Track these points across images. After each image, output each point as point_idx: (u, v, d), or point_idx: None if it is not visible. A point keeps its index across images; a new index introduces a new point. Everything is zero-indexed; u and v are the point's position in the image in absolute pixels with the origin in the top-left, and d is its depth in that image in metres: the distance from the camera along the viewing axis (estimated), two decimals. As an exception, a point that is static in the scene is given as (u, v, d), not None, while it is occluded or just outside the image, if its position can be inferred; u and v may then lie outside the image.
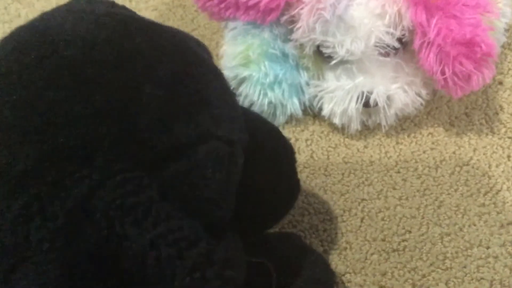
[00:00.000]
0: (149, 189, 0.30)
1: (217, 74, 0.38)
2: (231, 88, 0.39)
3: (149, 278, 0.30)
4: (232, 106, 0.37)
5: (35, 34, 0.33)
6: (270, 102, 0.59)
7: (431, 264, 0.52)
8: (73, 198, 0.29)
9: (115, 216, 0.29)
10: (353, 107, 0.57)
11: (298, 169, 0.59)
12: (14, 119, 0.30)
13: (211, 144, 0.33)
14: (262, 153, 0.39)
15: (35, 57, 0.32)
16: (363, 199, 0.56)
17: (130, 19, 0.36)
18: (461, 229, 0.54)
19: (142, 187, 0.30)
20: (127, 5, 0.78)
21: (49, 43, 0.32)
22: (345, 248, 0.54)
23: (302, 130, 0.62)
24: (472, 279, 0.51)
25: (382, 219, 0.55)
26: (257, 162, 0.38)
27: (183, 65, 0.34)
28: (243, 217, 0.37)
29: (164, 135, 0.31)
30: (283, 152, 0.43)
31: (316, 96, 0.60)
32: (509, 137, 0.59)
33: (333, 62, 0.56)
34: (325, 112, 0.59)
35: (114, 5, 0.39)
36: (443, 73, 0.52)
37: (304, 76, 0.60)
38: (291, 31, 0.57)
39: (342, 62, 0.56)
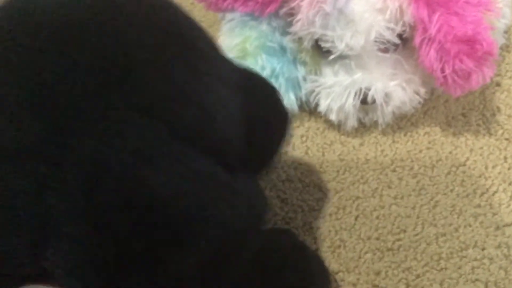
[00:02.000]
0: (160, 132, 0.30)
1: (200, 28, 0.38)
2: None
3: (177, 219, 0.30)
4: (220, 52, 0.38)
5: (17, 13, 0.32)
6: (266, 96, 0.58)
7: (425, 264, 0.51)
8: (84, 153, 0.29)
9: (130, 162, 0.29)
10: (350, 104, 0.56)
11: (293, 166, 0.58)
12: (11, 87, 0.30)
13: (214, 87, 0.33)
14: (251, 92, 0.40)
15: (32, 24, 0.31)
16: (358, 197, 0.56)
17: None
18: (456, 230, 0.53)
19: (152, 131, 0.30)
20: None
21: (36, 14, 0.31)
22: (339, 246, 0.53)
23: (298, 126, 0.61)
24: (467, 280, 0.50)
25: (377, 218, 0.54)
26: (249, 102, 0.38)
27: (172, 15, 0.35)
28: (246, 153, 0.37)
29: (164, 81, 0.31)
30: (270, 89, 0.44)
31: (313, 91, 0.59)
32: (506, 139, 0.58)
33: (332, 57, 0.55)
34: (322, 108, 0.58)
35: None
36: (443, 70, 0.51)
37: (301, 71, 0.59)
38: (289, 24, 0.56)
39: (341, 57, 0.55)
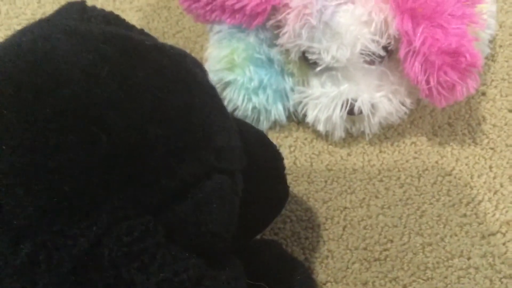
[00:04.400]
0: (156, 233, 0.30)
1: (215, 98, 0.36)
2: (224, 106, 0.39)
3: None
4: (230, 132, 0.36)
5: (31, 62, 0.31)
6: (254, 107, 0.58)
7: (412, 274, 0.52)
8: (79, 246, 0.29)
9: (121, 263, 0.29)
10: (338, 115, 0.56)
11: (281, 176, 0.59)
12: (16, 164, 0.29)
13: (215, 179, 0.32)
14: (252, 164, 0.38)
15: (33, 93, 0.29)
16: (345, 207, 0.56)
17: (130, 45, 0.33)
18: (442, 239, 0.53)
19: (149, 232, 0.30)
20: (111, 5, 0.77)
21: (49, 77, 0.30)
22: (327, 257, 0.53)
23: (286, 137, 0.61)
24: (453, 290, 0.51)
25: (364, 228, 0.55)
26: (247, 173, 0.37)
27: (187, 97, 0.33)
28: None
29: (170, 177, 0.31)
30: (272, 161, 0.42)
31: (300, 102, 0.59)
32: (491, 148, 0.59)
33: (319, 68, 0.56)
34: (309, 118, 0.59)
35: (108, 18, 0.37)
36: (427, 82, 0.52)
37: (289, 82, 0.59)
38: (277, 36, 0.56)
39: (327, 69, 0.56)
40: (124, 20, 0.39)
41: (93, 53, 0.31)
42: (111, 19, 0.38)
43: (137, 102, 0.31)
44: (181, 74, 0.34)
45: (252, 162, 0.38)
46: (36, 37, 0.32)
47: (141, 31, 0.39)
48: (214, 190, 0.32)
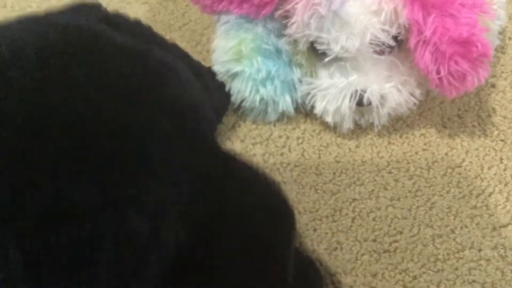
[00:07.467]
0: (13, 263, 0.26)
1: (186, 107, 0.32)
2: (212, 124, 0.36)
3: None
4: (189, 155, 0.31)
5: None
6: (261, 99, 0.58)
7: (422, 266, 0.51)
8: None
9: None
10: (346, 106, 0.56)
11: (289, 168, 0.58)
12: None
13: (118, 215, 0.27)
14: (246, 220, 0.34)
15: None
16: (354, 199, 0.56)
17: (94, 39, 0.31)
18: (452, 231, 0.53)
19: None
20: (118, -3, 0.76)
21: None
22: (336, 248, 0.53)
23: (294, 128, 0.61)
24: (464, 282, 0.50)
25: (373, 220, 0.54)
26: (240, 230, 0.33)
27: (110, 104, 0.29)
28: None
29: (52, 192, 0.26)
30: (275, 228, 0.37)
31: (308, 93, 0.59)
32: (501, 140, 0.59)
33: (327, 59, 0.55)
34: (318, 110, 0.58)
35: (133, 28, 0.37)
36: (438, 72, 0.51)
37: (297, 73, 0.59)
38: (285, 26, 0.56)
39: (336, 59, 0.55)
40: (149, 29, 0.36)
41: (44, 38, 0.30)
42: (136, 29, 0.36)
43: (42, 95, 0.28)
44: (130, 80, 0.31)
45: (247, 220, 0.34)
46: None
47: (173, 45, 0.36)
48: (109, 226, 0.27)
